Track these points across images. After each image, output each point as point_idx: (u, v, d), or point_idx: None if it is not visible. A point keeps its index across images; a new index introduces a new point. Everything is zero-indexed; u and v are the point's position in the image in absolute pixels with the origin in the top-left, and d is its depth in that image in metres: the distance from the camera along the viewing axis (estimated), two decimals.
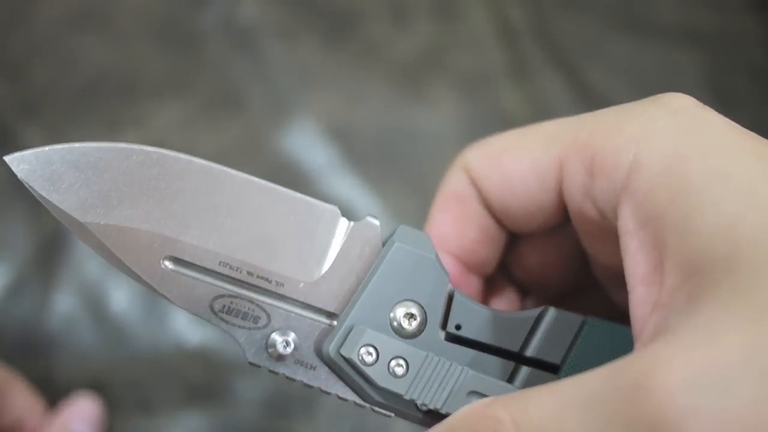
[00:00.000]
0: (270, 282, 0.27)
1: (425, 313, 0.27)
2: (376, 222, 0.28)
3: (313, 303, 0.27)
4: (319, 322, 0.27)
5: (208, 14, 0.62)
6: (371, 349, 0.26)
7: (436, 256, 0.28)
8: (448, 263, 0.30)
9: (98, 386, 0.52)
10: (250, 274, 0.27)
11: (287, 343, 0.27)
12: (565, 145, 0.27)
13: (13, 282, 0.55)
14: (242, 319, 0.27)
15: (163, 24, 0.62)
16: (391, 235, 0.28)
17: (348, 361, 0.26)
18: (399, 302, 0.27)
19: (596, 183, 0.26)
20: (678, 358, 0.20)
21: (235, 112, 0.60)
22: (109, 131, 0.59)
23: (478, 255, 0.31)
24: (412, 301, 0.27)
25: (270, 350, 0.27)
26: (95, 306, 0.54)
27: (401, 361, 0.26)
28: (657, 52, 0.63)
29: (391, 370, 0.26)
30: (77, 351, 0.53)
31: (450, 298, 0.28)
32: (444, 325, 0.28)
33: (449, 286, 0.28)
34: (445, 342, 0.28)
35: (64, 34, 0.61)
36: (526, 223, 0.30)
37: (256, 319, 0.27)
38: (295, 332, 0.27)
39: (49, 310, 0.54)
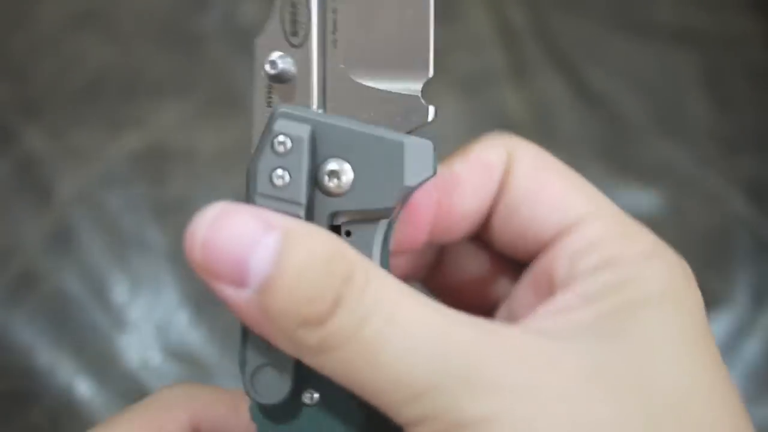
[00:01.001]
0: None
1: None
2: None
3: None
4: None
5: (209, 14, 0.62)
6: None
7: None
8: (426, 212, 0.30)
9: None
10: None
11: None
12: (595, 211, 0.29)
13: (20, 275, 0.55)
14: None
15: (164, 24, 0.62)
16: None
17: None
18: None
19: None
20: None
21: (235, 112, 0.60)
22: (110, 131, 0.59)
23: (460, 223, 0.31)
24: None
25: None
26: (100, 296, 0.54)
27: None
28: (656, 52, 0.63)
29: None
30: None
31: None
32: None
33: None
34: None
35: (65, 34, 0.61)
36: (509, 244, 0.31)
37: None
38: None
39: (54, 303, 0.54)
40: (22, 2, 0.62)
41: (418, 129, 0.28)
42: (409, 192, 0.27)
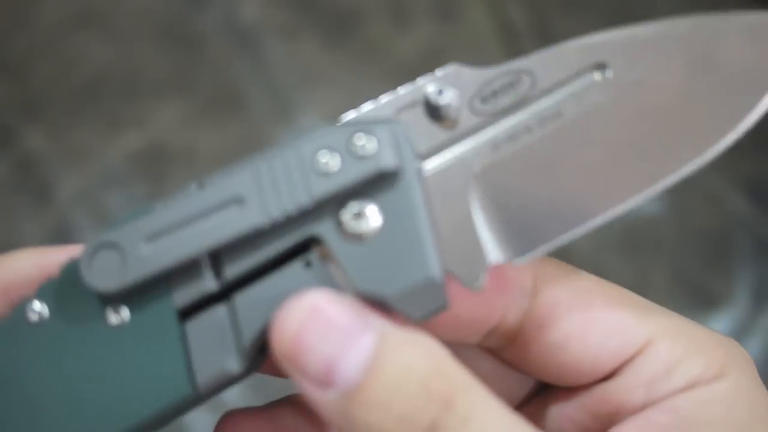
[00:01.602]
0: None
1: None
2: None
3: None
4: None
5: (209, 14, 0.62)
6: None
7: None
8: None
9: None
10: None
11: None
12: (655, 329, 0.26)
13: None
14: None
15: (164, 24, 0.62)
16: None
17: None
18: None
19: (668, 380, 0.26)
20: None
21: (235, 112, 0.60)
22: (110, 131, 0.59)
23: (474, 330, 0.27)
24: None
25: None
26: None
27: None
28: None
29: None
30: None
31: None
32: None
33: None
34: None
35: (64, 34, 0.61)
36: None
37: None
38: None
39: None
40: (22, 2, 0.62)
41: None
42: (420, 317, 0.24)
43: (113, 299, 0.25)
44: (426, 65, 0.61)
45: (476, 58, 0.64)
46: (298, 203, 0.24)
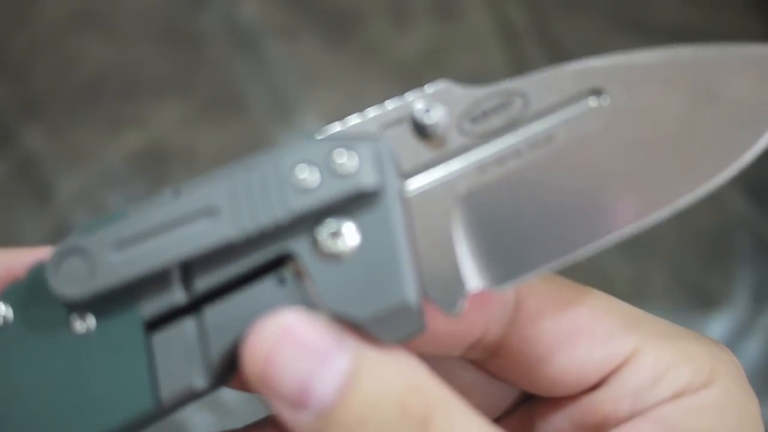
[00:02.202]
0: None
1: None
2: None
3: None
4: None
5: (209, 14, 0.62)
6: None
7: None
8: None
9: None
10: None
11: None
12: (641, 337, 0.26)
13: None
14: None
15: (164, 24, 0.62)
16: None
17: None
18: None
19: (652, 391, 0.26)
20: None
21: (235, 112, 0.60)
22: (110, 131, 0.59)
23: (456, 343, 0.27)
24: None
25: None
26: None
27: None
28: None
29: None
30: None
31: None
32: None
33: None
34: None
35: (64, 34, 0.61)
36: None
37: None
38: None
39: None
40: (22, 2, 0.62)
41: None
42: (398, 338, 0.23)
43: (79, 306, 0.24)
44: (426, 65, 0.61)
45: (476, 58, 0.64)
46: (272, 218, 0.23)
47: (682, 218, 0.61)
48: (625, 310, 0.27)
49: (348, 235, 0.23)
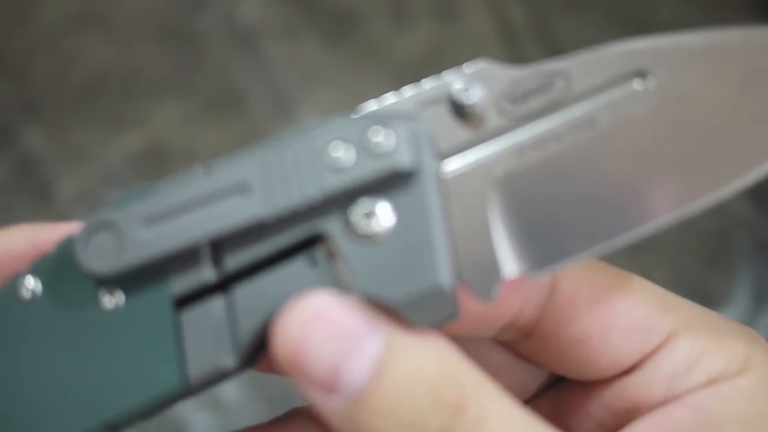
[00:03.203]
0: None
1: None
2: None
3: None
4: None
5: (209, 14, 0.62)
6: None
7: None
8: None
9: None
10: None
11: None
12: (677, 323, 0.26)
13: None
14: None
15: (164, 24, 0.62)
16: None
17: None
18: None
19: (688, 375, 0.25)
20: None
21: (235, 112, 0.60)
22: (110, 131, 0.59)
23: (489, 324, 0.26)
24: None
25: None
26: None
27: None
28: None
29: None
30: None
31: None
32: None
33: None
34: None
35: (64, 34, 0.61)
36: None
37: None
38: None
39: None
40: (22, 2, 0.62)
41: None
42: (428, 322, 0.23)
43: (108, 282, 0.24)
44: (426, 65, 0.61)
45: (476, 58, 0.64)
46: (305, 197, 0.23)
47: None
48: (660, 295, 0.26)
49: (382, 215, 0.23)
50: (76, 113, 0.59)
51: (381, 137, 0.22)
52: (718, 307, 0.56)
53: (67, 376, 0.24)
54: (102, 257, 0.23)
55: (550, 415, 0.27)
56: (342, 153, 0.23)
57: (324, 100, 0.60)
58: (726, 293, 0.57)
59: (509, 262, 0.23)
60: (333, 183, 0.23)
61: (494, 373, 0.24)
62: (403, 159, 0.22)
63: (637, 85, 0.23)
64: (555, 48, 0.63)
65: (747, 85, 0.23)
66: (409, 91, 0.24)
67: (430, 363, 0.21)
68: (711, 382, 0.25)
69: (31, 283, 0.24)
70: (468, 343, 0.27)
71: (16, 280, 0.24)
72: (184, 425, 0.53)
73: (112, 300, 0.24)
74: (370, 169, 0.22)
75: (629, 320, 0.26)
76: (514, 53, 0.62)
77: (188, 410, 0.53)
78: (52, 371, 0.24)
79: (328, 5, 0.63)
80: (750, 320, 0.56)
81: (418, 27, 0.63)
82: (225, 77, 0.60)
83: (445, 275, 0.22)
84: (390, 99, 0.24)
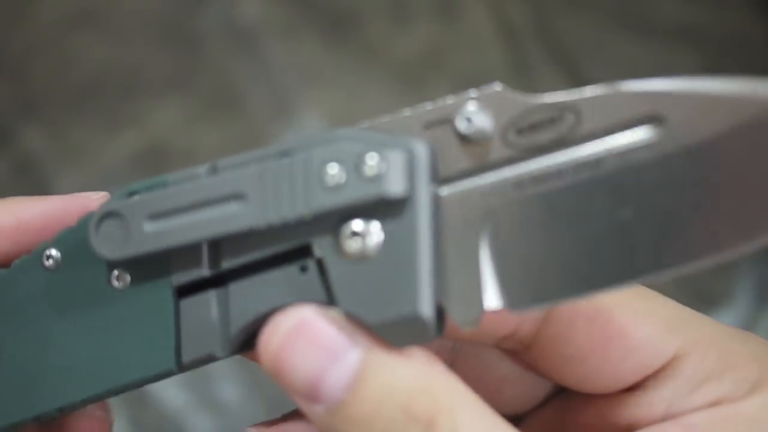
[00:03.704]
0: None
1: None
2: None
3: None
4: None
5: (209, 14, 0.62)
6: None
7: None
8: None
9: None
10: None
11: None
12: (685, 342, 0.26)
13: None
14: None
15: (164, 23, 0.62)
16: None
17: None
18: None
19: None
20: None
21: (235, 112, 0.60)
22: (110, 131, 0.59)
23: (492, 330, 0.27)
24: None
25: None
26: None
27: None
28: (657, 52, 0.63)
29: None
30: None
31: None
32: None
33: None
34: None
35: (64, 34, 0.61)
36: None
37: None
38: None
39: None
40: (21, 2, 0.62)
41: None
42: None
43: (117, 265, 0.25)
44: (426, 65, 0.61)
45: (476, 58, 0.64)
46: (296, 212, 0.23)
47: None
48: (671, 312, 0.26)
49: (371, 237, 0.23)
50: (75, 113, 0.59)
51: (375, 162, 0.23)
52: (718, 307, 0.56)
53: (77, 345, 0.26)
54: (109, 244, 0.25)
55: (553, 424, 0.28)
56: (336, 173, 0.23)
57: (324, 100, 0.60)
58: (727, 293, 0.57)
59: (493, 295, 0.23)
60: (323, 202, 0.23)
61: (501, 382, 0.24)
62: (394, 187, 0.23)
63: (650, 130, 0.22)
64: (555, 48, 0.63)
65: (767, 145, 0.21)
66: (419, 108, 0.24)
67: (405, 378, 0.22)
68: (714, 404, 0.25)
69: (54, 253, 0.26)
70: (475, 352, 0.27)
71: (42, 248, 0.26)
72: (184, 425, 0.53)
73: (120, 281, 0.25)
74: (360, 193, 0.23)
75: (629, 340, 0.25)
76: (514, 53, 0.62)
77: (188, 410, 0.53)
78: (67, 338, 0.26)
79: (328, 5, 0.63)
80: (751, 320, 0.56)
81: (418, 27, 0.63)
82: (225, 77, 0.60)
83: (425, 304, 0.22)
84: (399, 115, 0.24)
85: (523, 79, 0.61)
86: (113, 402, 0.45)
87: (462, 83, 0.60)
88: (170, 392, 0.53)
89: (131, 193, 0.25)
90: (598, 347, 0.25)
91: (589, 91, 0.22)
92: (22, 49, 0.61)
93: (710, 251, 0.22)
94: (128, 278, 0.25)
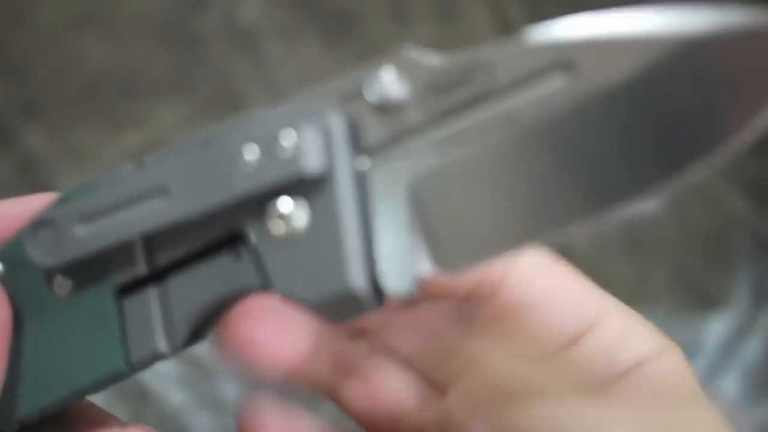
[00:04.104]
0: None
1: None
2: None
3: None
4: None
5: (209, 14, 0.62)
6: None
7: None
8: None
9: None
10: None
11: None
12: (607, 304, 0.27)
13: None
14: None
15: (164, 24, 0.62)
16: None
17: None
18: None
19: None
20: None
21: (235, 112, 0.59)
22: (110, 131, 0.59)
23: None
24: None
25: None
26: None
27: None
28: None
29: None
30: None
31: None
32: None
33: None
34: None
35: (64, 34, 0.61)
36: None
37: None
38: None
39: None
40: (22, 2, 0.62)
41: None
42: None
43: (57, 272, 0.25)
44: None
45: None
46: (217, 200, 0.23)
47: (682, 218, 0.61)
48: (587, 282, 0.27)
49: (296, 217, 0.23)
50: (76, 113, 0.59)
51: (289, 141, 0.22)
52: (718, 306, 0.56)
53: (29, 356, 0.26)
54: (44, 252, 0.25)
55: None
56: (252, 156, 0.23)
57: None
58: (726, 293, 0.57)
59: (426, 260, 0.23)
60: (241, 187, 0.23)
61: None
62: (309, 165, 0.22)
63: (561, 79, 0.22)
64: None
65: (680, 83, 0.21)
66: (334, 81, 0.23)
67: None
68: (644, 357, 0.26)
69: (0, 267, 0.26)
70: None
71: None
72: (185, 425, 0.53)
73: (62, 288, 0.25)
74: (277, 173, 0.23)
75: (566, 296, 0.26)
76: None
77: (188, 410, 0.53)
78: (18, 349, 0.26)
79: (328, 5, 0.63)
80: (750, 320, 0.56)
81: (418, 27, 0.63)
82: (225, 77, 0.60)
83: (356, 277, 0.22)
84: (314, 89, 0.23)
85: None
86: (113, 401, 0.45)
87: None
88: (171, 391, 0.54)
89: (65, 199, 0.25)
90: (549, 297, 0.26)
91: (498, 46, 0.22)
92: (22, 50, 0.61)
93: (635, 191, 0.21)
94: (70, 285, 0.25)
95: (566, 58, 0.22)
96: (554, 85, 0.22)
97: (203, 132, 0.24)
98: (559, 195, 0.22)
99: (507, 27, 0.63)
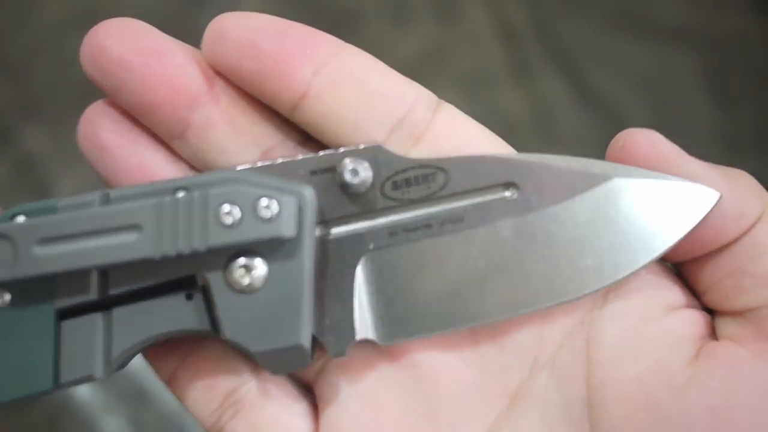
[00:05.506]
0: None
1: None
2: None
3: None
4: None
5: (209, 14, 0.62)
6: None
7: None
8: None
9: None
10: None
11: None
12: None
13: None
14: None
15: (164, 23, 0.62)
16: None
17: None
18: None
19: None
20: None
21: None
22: None
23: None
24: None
25: None
26: None
27: None
28: (657, 52, 0.63)
29: None
30: None
31: None
32: None
33: None
34: None
35: (64, 34, 0.61)
36: None
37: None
38: None
39: None
40: (22, 2, 0.62)
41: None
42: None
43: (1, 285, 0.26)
44: (426, 65, 0.61)
45: (476, 58, 0.64)
46: (192, 246, 0.25)
47: None
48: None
49: (258, 272, 0.25)
50: (76, 113, 0.59)
51: (268, 205, 0.25)
52: None
53: None
54: None
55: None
56: (231, 213, 0.25)
57: None
58: None
59: (364, 328, 0.26)
60: (218, 239, 0.25)
61: None
62: (286, 229, 0.25)
63: (505, 194, 0.26)
64: (555, 48, 0.63)
65: (599, 214, 0.26)
66: (308, 157, 0.27)
67: None
68: None
69: None
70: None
71: None
72: (184, 425, 0.53)
73: (1, 299, 0.26)
74: (255, 233, 0.25)
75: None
76: (514, 53, 0.62)
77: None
78: None
79: (328, 5, 0.63)
80: None
81: (418, 27, 0.63)
82: None
83: (306, 336, 0.25)
84: (290, 160, 0.26)
85: (523, 79, 0.61)
86: (113, 401, 0.45)
87: (462, 83, 0.60)
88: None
89: (14, 215, 0.25)
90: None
91: (458, 157, 0.26)
92: (22, 50, 0.61)
93: (551, 298, 0.26)
94: (7, 297, 0.26)
95: (511, 179, 0.26)
96: (498, 199, 0.26)
97: (176, 180, 0.26)
98: (487, 292, 0.26)
99: (507, 27, 0.63)
